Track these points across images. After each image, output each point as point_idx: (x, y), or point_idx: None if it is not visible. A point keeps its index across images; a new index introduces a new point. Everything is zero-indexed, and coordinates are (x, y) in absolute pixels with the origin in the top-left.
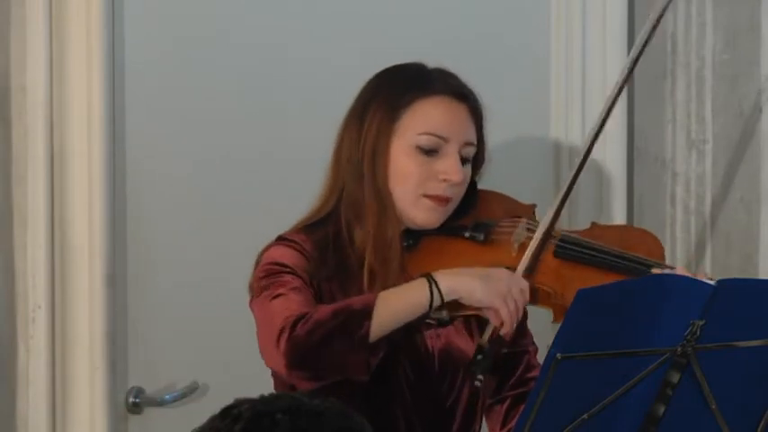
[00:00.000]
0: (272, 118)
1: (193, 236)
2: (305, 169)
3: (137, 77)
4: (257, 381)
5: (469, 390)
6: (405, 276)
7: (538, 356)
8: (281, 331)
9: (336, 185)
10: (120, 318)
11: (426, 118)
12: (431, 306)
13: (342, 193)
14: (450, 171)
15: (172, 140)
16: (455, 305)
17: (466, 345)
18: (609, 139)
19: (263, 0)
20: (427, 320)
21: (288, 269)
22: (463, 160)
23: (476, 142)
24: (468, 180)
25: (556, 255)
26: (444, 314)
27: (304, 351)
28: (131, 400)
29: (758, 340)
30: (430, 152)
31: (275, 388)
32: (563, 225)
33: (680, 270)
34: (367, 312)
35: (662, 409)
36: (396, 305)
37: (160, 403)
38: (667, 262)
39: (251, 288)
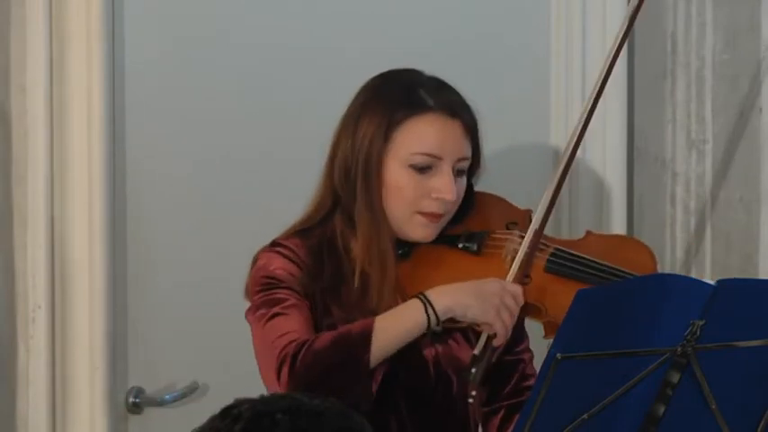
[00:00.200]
0: (272, 118)
1: (193, 236)
2: (305, 169)
3: (137, 77)
4: (257, 381)
5: (464, 400)
6: (397, 286)
7: (539, 357)
8: (282, 363)
9: (330, 190)
10: (120, 318)
11: (420, 137)
12: (428, 327)
13: (335, 197)
14: (444, 190)
15: (172, 140)
16: (449, 320)
17: (460, 351)
18: (609, 139)
19: (263, 0)
20: None
21: (284, 284)
22: (458, 172)
23: (470, 155)
24: (463, 194)
25: (547, 270)
26: (438, 328)
27: (305, 384)
28: (131, 400)
29: (758, 340)
30: (424, 169)
31: None
32: (562, 227)
33: None
34: (366, 341)
35: (662, 409)
36: (393, 331)
37: (160, 403)
38: (667, 262)
39: (247, 293)
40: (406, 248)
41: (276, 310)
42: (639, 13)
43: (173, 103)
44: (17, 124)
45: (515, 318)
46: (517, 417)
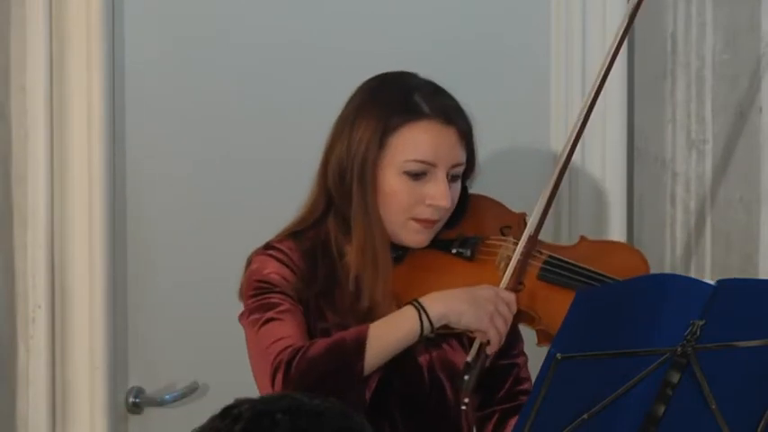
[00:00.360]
0: (272, 118)
1: (193, 236)
2: (304, 170)
3: (137, 77)
4: None
5: (458, 406)
6: (391, 290)
7: (533, 361)
8: (276, 369)
9: (324, 192)
10: (120, 318)
11: (414, 144)
12: (421, 334)
13: (329, 199)
14: (438, 197)
15: (172, 140)
16: (443, 326)
17: (454, 356)
18: (609, 139)
19: (263, 1)
20: None
21: (277, 289)
22: (453, 178)
23: (465, 161)
24: (457, 199)
25: (540, 278)
26: (432, 335)
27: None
28: (131, 400)
29: (758, 340)
30: (418, 176)
31: None
32: (562, 227)
33: None
34: (360, 348)
35: (662, 409)
36: (387, 338)
37: (160, 403)
38: (667, 262)
39: (240, 295)
40: (399, 253)
41: (270, 314)
42: (639, 14)
43: (173, 103)
44: (17, 124)
45: (509, 325)
46: (512, 421)
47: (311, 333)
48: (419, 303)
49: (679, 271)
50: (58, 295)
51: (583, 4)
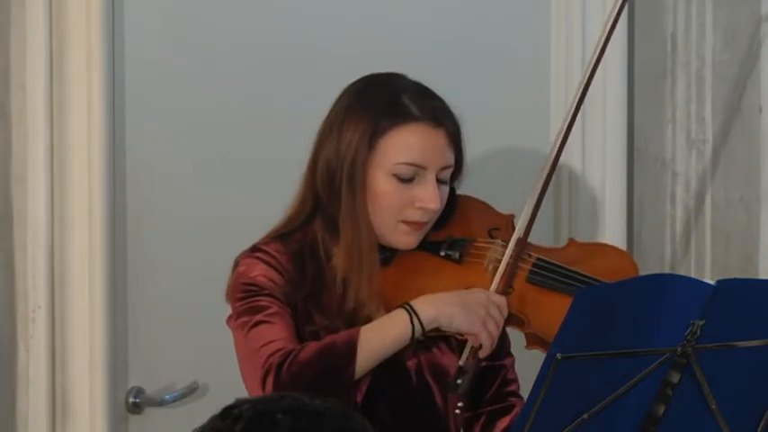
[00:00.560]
0: (272, 118)
1: (193, 236)
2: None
3: (137, 77)
4: None
5: (446, 408)
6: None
7: (521, 363)
8: (267, 372)
9: (311, 194)
10: (120, 318)
11: (404, 147)
12: (412, 337)
13: (316, 201)
14: (428, 199)
15: (172, 140)
16: (433, 329)
17: (443, 358)
18: (609, 139)
19: (263, 1)
20: None
21: (265, 291)
22: (441, 180)
23: (453, 163)
24: (446, 201)
25: (529, 281)
26: (422, 338)
27: None
28: (131, 400)
29: (758, 340)
30: (407, 179)
31: None
32: (562, 227)
33: None
34: (351, 352)
35: (662, 409)
36: (378, 341)
37: (160, 403)
38: (667, 262)
39: (227, 298)
40: (387, 254)
41: (259, 317)
42: (640, 14)
43: (173, 103)
44: (17, 124)
45: (500, 329)
46: (500, 422)
47: (299, 336)
48: (410, 306)
49: (679, 271)
50: (57, 295)
51: (583, 4)
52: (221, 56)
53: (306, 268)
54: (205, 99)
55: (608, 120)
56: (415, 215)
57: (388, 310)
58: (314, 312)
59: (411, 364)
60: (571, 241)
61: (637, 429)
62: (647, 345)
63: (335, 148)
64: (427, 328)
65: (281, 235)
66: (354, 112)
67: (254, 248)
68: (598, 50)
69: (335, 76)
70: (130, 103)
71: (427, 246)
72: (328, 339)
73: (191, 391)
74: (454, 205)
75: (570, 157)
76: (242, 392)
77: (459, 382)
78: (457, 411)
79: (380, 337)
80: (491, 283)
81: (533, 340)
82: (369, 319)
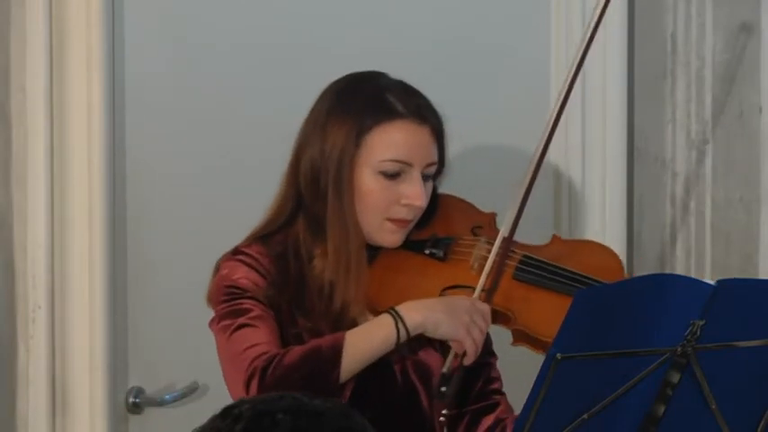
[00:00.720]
0: (273, 118)
1: (193, 236)
2: None
3: (137, 77)
4: None
5: (431, 410)
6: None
7: (506, 361)
8: (251, 376)
9: (293, 195)
10: (120, 318)
11: (390, 144)
12: (398, 342)
13: (298, 201)
14: (414, 196)
15: (172, 140)
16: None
17: (428, 358)
18: (609, 139)
19: (263, 1)
20: None
21: (248, 294)
22: (425, 177)
23: (437, 160)
24: (430, 198)
25: (515, 277)
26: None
27: None
28: (131, 400)
29: (758, 340)
30: (393, 176)
31: None
32: (562, 227)
33: None
34: (336, 356)
35: (662, 409)
36: (364, 345)
37: (160, 403)
38: (667, 262)
39: (209, 301)
40: (371, 253)
41: (242, 320)
42: (640, 14)
43: (173, 103)
44: (17, 124)
45: (484, 336)
46: (484, 419)
47: (283, 338)
48: (396, 312)
49: (679, 271)
50: (57, 295)
51: (583, 4)
52: (221, 56)
53: (289, 270)
54: (205, 99)
55: (608, 120)
56: (401, 212)
57: (372, 309)
58: (297, 314)
59: (396, 364)
60: (555, 238)
61: (637, 429)
62: (647, 345)
63: (320, 148)
64: (412, 333)
65: (261, 237)
66: (338, 112)
67: (236, 251)
68: (580, 53)
69: (335, 76)
70: (130, 103)
71: (411, 245)
72: (314, 343)
73: (191, 391)
74: (436, 204)
75: (570, 157)
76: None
77: (443, 389)
78: (441, 419)
79: (366, 341)
80: (477, 281)
81: (520, 337)
82: (355, 320)
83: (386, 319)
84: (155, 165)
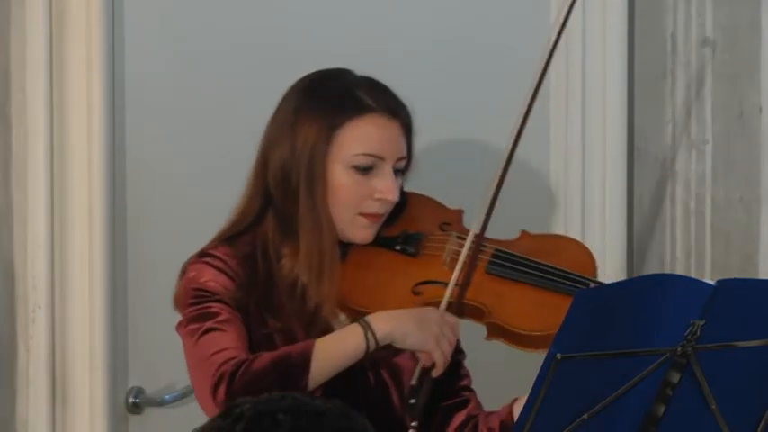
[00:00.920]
0: None
1: (193, 236)
2: None
3: (137, 77)
4: None
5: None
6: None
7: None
8: (219, 381)
9: (260, 195)
10: (120, 318)
11: (362, 138)
12: (366, 352)
13: (266, 201)
14: (386, 191)
15: (172, 140)
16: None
17: (399, 357)
18: (609, 139)
19: (263, 1)
20: None
21: (216, 297)
22: (396, 172)
23: (407, 155)
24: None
25: (488, 271)
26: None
27: None
28: (131, 400)
29: (758, 340)
30: (366, 170)
31: None
32: (563, 227)
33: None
34: (305, 364)
35: (662, 409)
36: (333, 353)
37: (160, 403)
38: (667, 262)
39: (176, 304)
40: (341, 250)
41: (209, 324)
42: (640, 14)
43: (173, 103)
44: (17, 124)
45: (453, 348)
46: (456, 416)
47: (252, 339)
48: (366, 322)
49: (679, 271)
50: (57, 295)
51: (583, 4)
52: (221, 56)
53: (257, 271)
54: (205, 99)
55: (608, 120)
56: (373, 207)
57: (344, 307)
58: (267, 315)
59: (368, 362)
60: (524, 233)
61: (637, 429)
62: (647, 345)
63: (290, 147)
64: (381, 343)
65: (228, 238)
66: (307, 109)
67: (203, 253)
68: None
69: None
70: (130, 103)
71: (381, 241)
72: (283, 350)
73: (191, 391)
74: (404, 201)
75: (570, 157)
76: None
77: (412, 402)
78: (412, 430)
79: (335, 350)
80: (450, 276)
81: (494, 331)
82: (328, 318)
83: (355, 329)
84: (155, 165)
